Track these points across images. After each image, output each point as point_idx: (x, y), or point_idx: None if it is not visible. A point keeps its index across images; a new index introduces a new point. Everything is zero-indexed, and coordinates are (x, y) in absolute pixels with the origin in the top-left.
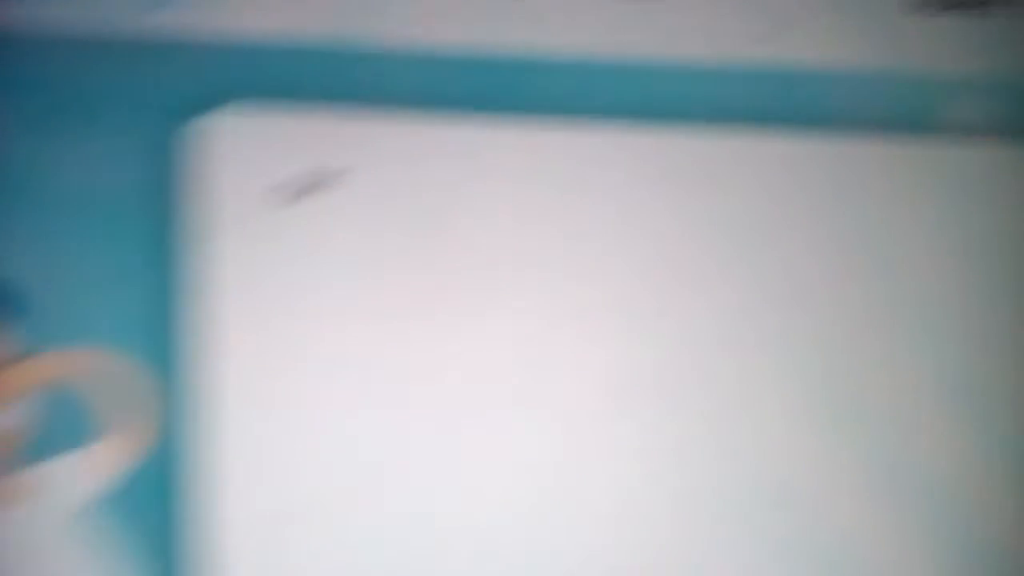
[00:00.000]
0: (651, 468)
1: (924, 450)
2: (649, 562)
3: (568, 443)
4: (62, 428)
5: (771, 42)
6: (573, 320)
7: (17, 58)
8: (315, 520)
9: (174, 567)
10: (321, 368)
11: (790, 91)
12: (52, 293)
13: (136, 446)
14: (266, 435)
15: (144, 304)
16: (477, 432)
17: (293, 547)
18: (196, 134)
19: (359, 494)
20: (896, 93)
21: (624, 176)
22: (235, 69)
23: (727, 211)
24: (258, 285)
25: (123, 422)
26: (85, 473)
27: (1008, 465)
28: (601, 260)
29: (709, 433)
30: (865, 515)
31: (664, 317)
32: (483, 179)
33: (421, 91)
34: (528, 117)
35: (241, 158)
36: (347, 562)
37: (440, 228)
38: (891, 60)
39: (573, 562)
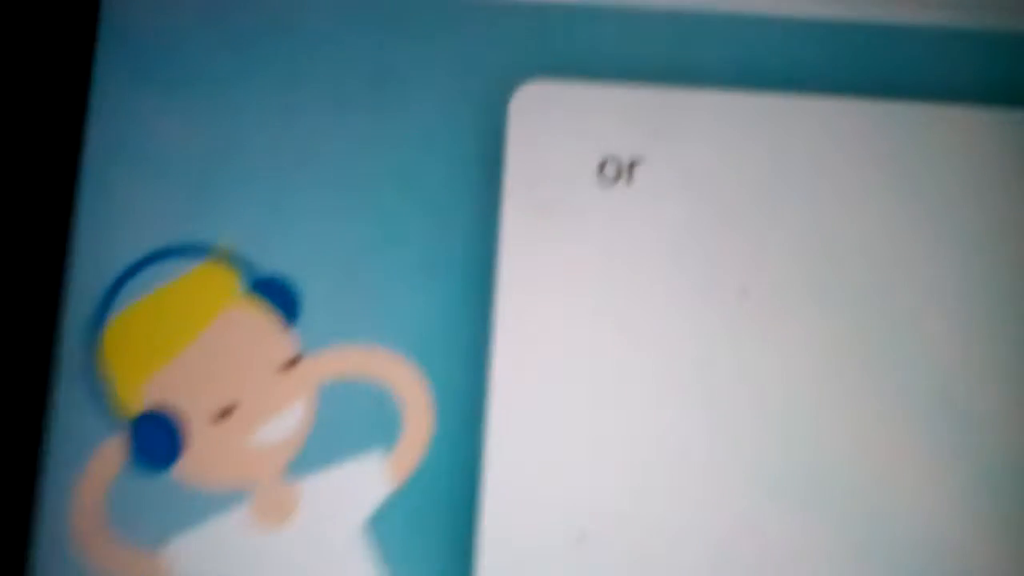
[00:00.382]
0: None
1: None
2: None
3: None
4: (348, 431)
5: None
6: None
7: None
8: (586, 534)
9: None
10: (604, 375)
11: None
12: (334, 291)
13: (417, 452)
14: (540, 446)
15: (429, 304)
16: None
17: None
18: (499, 113)
19: (633, 511)
20: None
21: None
22: (534, 40)
23: None
24: (553, 281)
25: (408, 427)
26: (374, 478)
27: None
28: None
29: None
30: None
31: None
32: (794, 155)
33: (734, 62)
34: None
35: (548, 138)
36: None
37: (747, 214)
38: None
39: None
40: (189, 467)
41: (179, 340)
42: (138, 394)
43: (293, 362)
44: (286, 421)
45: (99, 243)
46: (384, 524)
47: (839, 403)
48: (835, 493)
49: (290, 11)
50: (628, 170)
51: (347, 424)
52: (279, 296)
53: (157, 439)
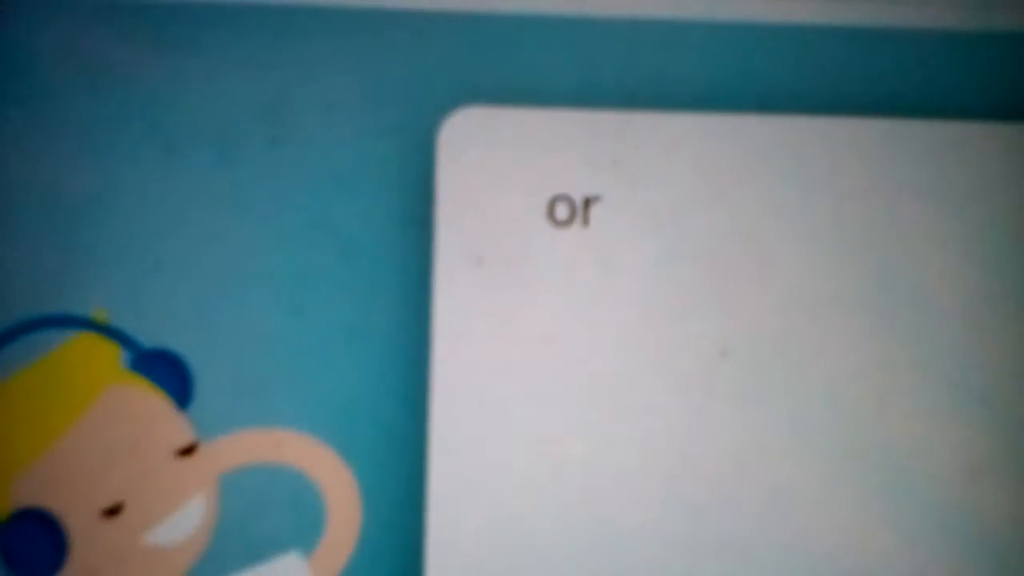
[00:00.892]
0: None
1: None
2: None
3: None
4: (259, 529)
5: None
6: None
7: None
8: None
9: None
10: (562, 455)
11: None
12: (233, 366)
13: (343, 552)
14: (488, 539)
15: (350, 378)
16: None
17: None
18: (427, 146)
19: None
20: None
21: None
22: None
23: None
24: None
25: (331, 523)
26: None
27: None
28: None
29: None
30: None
31: None
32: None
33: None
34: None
35: (485, 175)
36: None
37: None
38: None
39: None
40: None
41: (54, 427)
42: (8, 491)
43: (188, 450)
44: (184, 519)
45: None
46: None
47: (834, 485)
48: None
49: (168, 42)
50: (583, 210)
51: (257, 521)
52: (167, 373)
53: (34, 543)
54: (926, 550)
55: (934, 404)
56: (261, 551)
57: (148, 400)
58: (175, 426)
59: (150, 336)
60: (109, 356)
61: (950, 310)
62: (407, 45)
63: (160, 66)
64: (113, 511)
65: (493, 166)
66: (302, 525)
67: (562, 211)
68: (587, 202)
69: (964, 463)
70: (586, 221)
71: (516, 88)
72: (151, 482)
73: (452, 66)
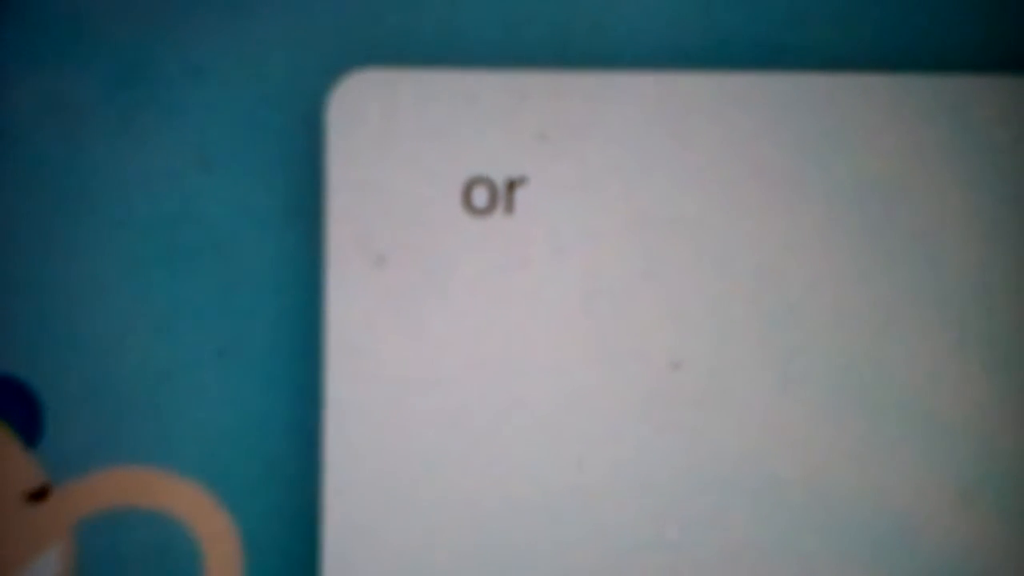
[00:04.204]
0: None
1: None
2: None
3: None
4: None
5: None
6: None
7: None
8: None
9: None
10: (483, 487)
11: None
12: (88, 396)
13: None
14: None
15: (229, 407)
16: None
17: None
18: (313, 119)
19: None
20: None
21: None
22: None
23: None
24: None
25: (204, 575)
26: None
27: None
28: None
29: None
30: None
31: None
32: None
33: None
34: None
35: (386, 154)
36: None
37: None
38: None
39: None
40: None
41: None
42: None
43: (39, 494)
44: (37, 574)
45: None
46: None
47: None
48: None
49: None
50: (506, 194)
51: (121, 573)
52: (13, 405)
53: None
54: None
55: (924, 432)
56: None
57: None
58: (22, 467)
59: None
60: None
61: (947, 304)
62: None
63: None
64: None
65: (395, 142)
66: None
67: (480, 197)
68: (511, 185)
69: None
70: (510, 208)
71: (422, 46)
72: None
73: (344, 21)
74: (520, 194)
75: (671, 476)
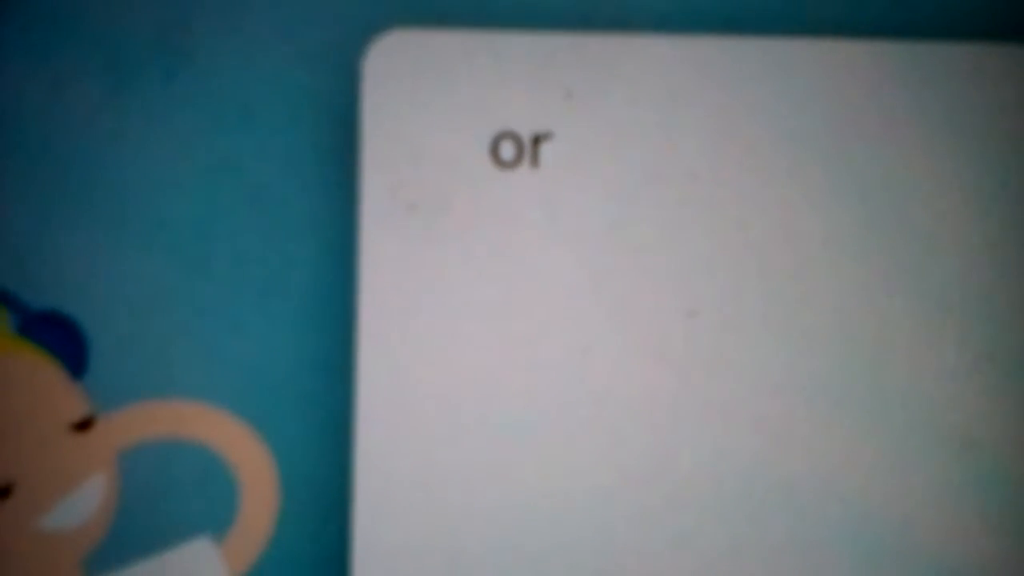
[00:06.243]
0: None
1: None
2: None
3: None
4: (165, 512)
5: None
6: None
7: None
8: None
9: None
10: (507, 428)
11: None
12: (133, 331)
13: (259, 537)
14: (424, 523)
15: (265, 344)
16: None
17: None
18: (349, 78)
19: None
20: None
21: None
22: None
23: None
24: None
25: (245, 504)
26: (203, 573)
27: None
28: None
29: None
30: None
31: None
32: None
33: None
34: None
35: (418, 110)
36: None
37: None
38: None
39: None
40: None
41: None
42: None
43: (84, 424)
44: (81, 501)
45: None
46: None
47: (822, 463)
48: (807, 553)
49: None
50: (532, 148)
51: (163, 503)
52: (60, 339)
53: None
54: (917, 505)
55: (936, 363)
56: (167, 536)
57: (38, 368)
58: (69, 397)
59: (37, 296)
60: None
61: (954, 254)
62: None
63: None
64: (2, 493)
65: (427, 98)
66: (213, 508)
67: (508, 150)
68: (536, 140)
69: (965, 425)
70: (535, 162)
71: (454, 7)
72: (43, 460)
73: None
74: (545, 148)
75: (687, 419)
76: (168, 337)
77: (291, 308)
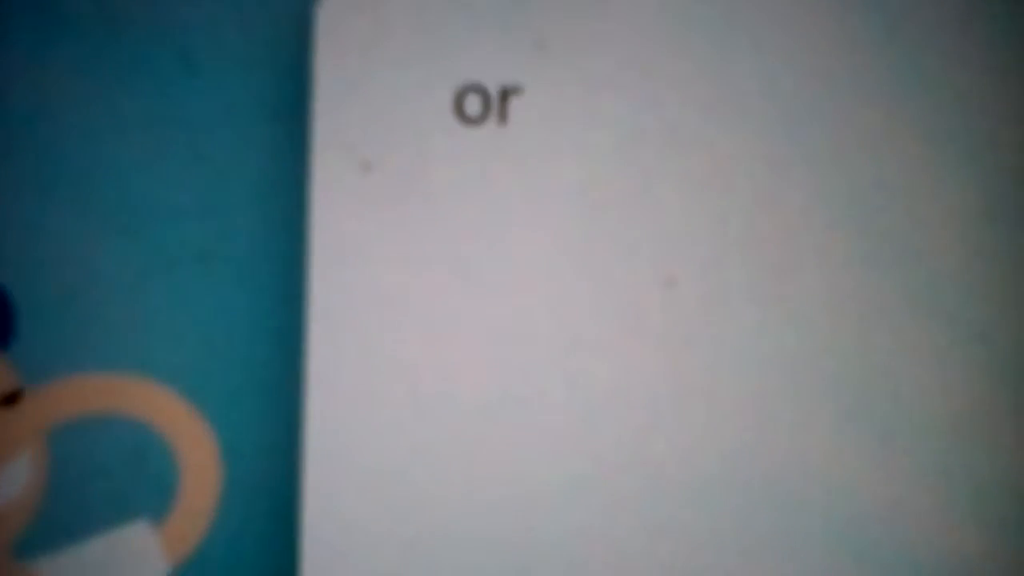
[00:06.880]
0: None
1: None
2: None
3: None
4: (99, 493)
5: None
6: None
7: None
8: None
9: None
10: (470, 401)
11: None
12: (64, 300)
13: (201, 520)
14: (377, 503)
15: (208, 313)
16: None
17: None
18: (300, 31)
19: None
20: None
21: None
22: None
23: None
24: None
25: (186, 485)
26: (140, 558)
27: None
28: None
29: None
30: None
31: None
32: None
33: None
34: None
35: (375, 63)
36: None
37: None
38: None
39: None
40: None
41: None
42: None
43: (12, 398)
44: (8, 480)
45: None
46: None
47: (805, 436)
48: (784, 530)
49: None
50: (499, 103)
51: (96, 484)
52: None
53: None
54: (905, 496)
55: (926, 338)
56: (102, 520)
57: None
58: None
59: None
60: None
61: (947, 224)
62: None
63: None
64: None
65: (385, 47)
66: (151, 489)
67: (473, 105)
68: (504, 94)
69: (955, 406)
70: (503, 118)
71: None
72: None
73: None
74: (514, 103)
75: (663, 390)
76: (102, 306)
77: (235, 276)
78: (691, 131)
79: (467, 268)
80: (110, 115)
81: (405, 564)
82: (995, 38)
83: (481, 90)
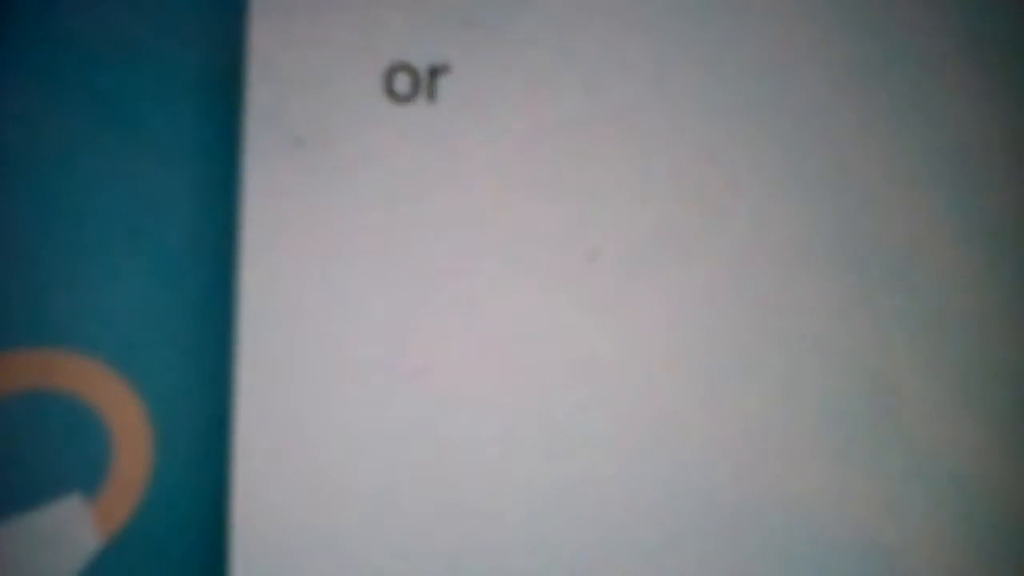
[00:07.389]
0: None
1: None
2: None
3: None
4: (29, 468)
5: None
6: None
7: None
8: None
9: None
10: (398, 376)
11: None
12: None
13: (132, 494)
14: (306, 481)
15: (139, 289)
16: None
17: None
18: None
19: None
20: None
21: None
22: None
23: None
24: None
25: (117, 460)
26: (72, 532)
27: None
28: None
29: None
30: None
31: None
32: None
33: None
34: None
35: (306, 40)
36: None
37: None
38: None
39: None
40: None
41: None
42: None
43: None
44: None
45: None
46: None
47: (721, 408)
48: (705, 504)
49: None
50: (428, 81)
51: (28, 459)
52: None
53: None
54: (825, 477)
55: (843, 308)
56: (34, 494)
57: None
58: None
59: None
60: None
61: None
62: None
63: None
64: None
65: (316, 25)
66: (82, 464)
67: (402, 83)
68: (433, 72)
69: (881, 383)
70: (432, 95)
71: None
72: None
73: None
74: (443, 82)
75: (587, 373)
76: (34, 281)
77: (167, 251)
78: (619, 105)
79: (394, 244)
80: (45, 92)
81: (335, 533)
82: (994, 55)
83: (410, 69)
